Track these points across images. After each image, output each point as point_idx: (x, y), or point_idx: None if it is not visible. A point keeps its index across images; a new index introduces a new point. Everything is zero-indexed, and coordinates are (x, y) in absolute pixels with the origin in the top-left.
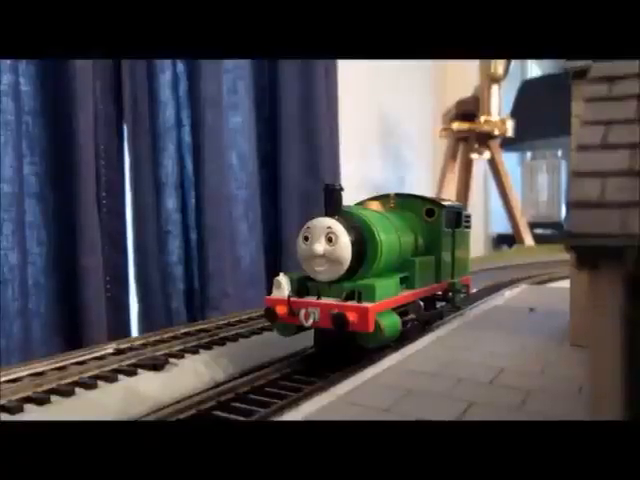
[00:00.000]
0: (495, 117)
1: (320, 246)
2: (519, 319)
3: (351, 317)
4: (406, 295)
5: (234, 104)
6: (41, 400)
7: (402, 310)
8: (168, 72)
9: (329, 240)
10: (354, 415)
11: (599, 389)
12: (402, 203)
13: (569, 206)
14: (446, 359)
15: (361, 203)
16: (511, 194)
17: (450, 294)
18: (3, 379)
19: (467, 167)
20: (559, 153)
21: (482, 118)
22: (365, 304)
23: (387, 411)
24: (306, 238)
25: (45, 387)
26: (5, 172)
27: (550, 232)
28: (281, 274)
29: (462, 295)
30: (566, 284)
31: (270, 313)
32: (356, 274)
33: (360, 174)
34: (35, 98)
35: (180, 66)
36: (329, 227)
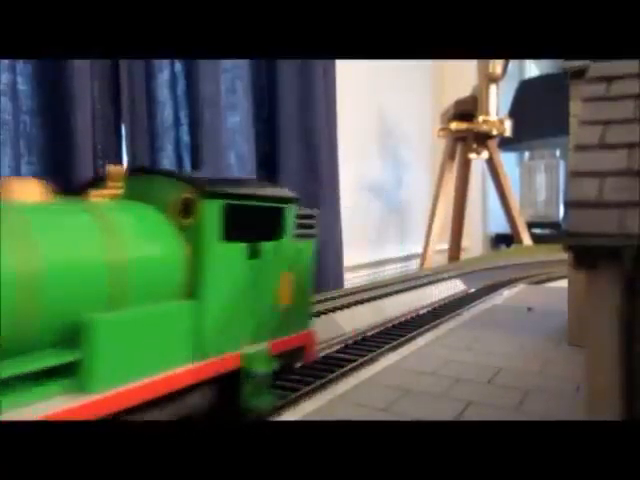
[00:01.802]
0: (493, 117)
1: None
2: (517, 319)
3: None
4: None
5: (232, 104)
6: None
7: None
8: (166, 72)
9: None
10: (352, 415)
11: (597, 389)
12: (142, 189)
13: (567, 206)
14: (444, 359)
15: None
16: (509, 194)
17: (239, 380)
18: None
19: (465, 167)
20: (557, 153)
21: (480, 118)
22: None
23: (385, 410)
24: None
25: None
26: (3, 172)
27: (548, 232)
28: None
29: (264, 380)
30: (564, 284)
31: None
32: None
33: (359, 174)
34: (33, 97)
35: (178, 66)
36: None
